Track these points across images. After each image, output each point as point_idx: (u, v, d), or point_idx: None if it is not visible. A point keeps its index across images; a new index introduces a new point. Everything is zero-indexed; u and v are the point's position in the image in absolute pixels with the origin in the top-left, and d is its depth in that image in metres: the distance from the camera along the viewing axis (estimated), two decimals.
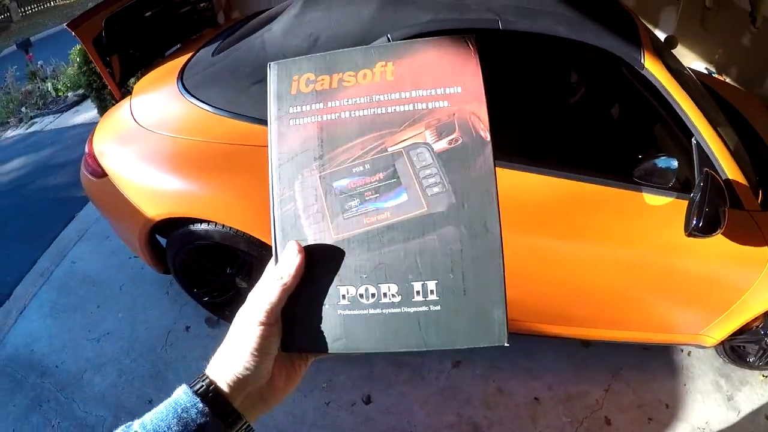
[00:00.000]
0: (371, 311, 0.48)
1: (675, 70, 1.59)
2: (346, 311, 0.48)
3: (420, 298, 0.47)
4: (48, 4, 14.87)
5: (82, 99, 5.45)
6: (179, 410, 0.43)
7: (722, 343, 1.92)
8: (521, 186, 1.59)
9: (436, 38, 0.52)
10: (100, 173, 1.95)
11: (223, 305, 2.21)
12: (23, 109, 5.74)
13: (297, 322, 0.49)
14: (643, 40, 1.58)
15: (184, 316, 2.43)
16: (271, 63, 0.54)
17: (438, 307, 0.47)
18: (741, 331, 1.88)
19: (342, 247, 0.49)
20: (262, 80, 1.70)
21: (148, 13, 2.49)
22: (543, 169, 1.57)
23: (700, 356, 2.19)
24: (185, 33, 2.70)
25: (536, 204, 1.60)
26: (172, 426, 0.42)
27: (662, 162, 1.46)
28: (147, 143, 1.84)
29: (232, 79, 1.77)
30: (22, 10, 14.14)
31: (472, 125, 0.49)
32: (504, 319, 0.46)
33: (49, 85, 5.78)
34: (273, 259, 0.50)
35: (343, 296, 0.48)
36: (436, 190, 0.48)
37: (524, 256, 1.66)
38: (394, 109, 0.51)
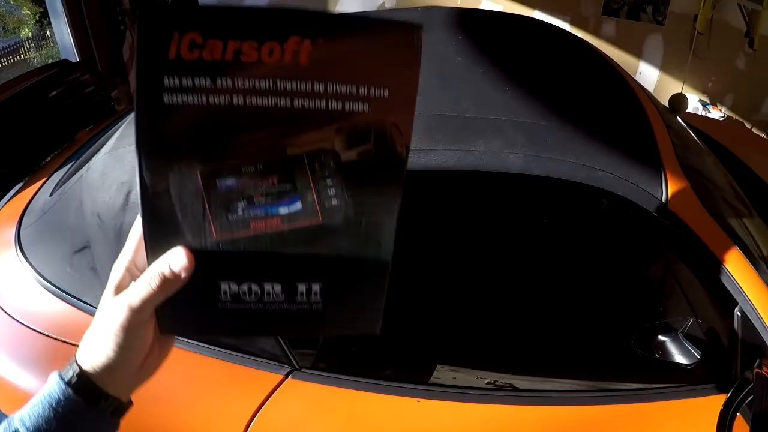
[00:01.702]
0: (253, 307, 0.43)
1: (717, 212, 1.02)
2: (226, 306, 0.43)
3: (303, 298, 0.43)
4: (17, 58, 14.57)
5: None
6: (53, 402, 0.43)
7: None
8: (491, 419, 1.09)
9: (376, 19, 0.42)
10: None
11: None
12: None
13: (175, 309, 0.43)
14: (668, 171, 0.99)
15: None
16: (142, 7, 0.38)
17: (320, 306, 0.44)
18: None
19: (225, 248, 0.42)
20: (83, 249, 1.22)
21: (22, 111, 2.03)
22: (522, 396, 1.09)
23: None
24: (76, 126, 2.22)
25: None
26: (49, 419, 0.42)
27: (674, 343, 0.95)
28: None
29: (58, 239, 1.29)
30: None
31: (390, 138, 0.40)
32: (379, 315, 0.45)
33: None
34: (145, 251, 0.42)
35: (225, 292, 0.43)
36: (334, 202, 0.41)
37: None
38: (302, 104, 0.38)
